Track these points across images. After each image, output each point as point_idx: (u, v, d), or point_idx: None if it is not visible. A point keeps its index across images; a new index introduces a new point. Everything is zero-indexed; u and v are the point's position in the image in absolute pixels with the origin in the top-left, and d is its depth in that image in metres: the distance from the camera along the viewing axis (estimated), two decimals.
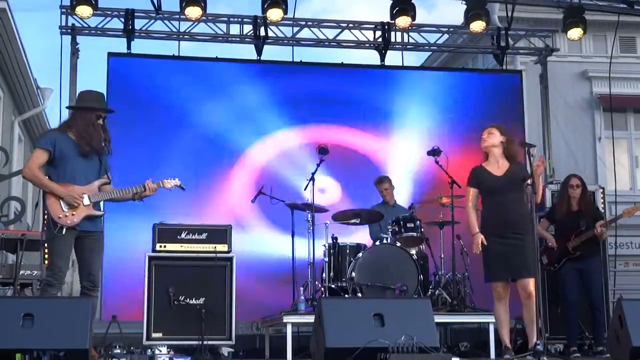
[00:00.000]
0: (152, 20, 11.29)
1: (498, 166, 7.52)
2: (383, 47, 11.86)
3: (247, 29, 11.49)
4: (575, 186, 9.09)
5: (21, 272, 7.94)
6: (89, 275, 6.77)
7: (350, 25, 11.90)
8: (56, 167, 6.74)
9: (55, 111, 23.18)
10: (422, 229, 9.53)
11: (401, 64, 12.26)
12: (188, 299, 8.47)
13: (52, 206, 6.65)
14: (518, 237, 7.25)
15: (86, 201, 6.74)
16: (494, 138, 7.57)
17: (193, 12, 10.72)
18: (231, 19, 11.53)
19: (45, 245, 6.93)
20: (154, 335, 8.34)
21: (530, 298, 7.17)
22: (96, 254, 6.90)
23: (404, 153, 11.65)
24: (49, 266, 6.72)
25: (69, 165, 6.74)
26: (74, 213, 6.68)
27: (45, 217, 6.73)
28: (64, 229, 6.62)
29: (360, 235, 10.23)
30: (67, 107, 7.63)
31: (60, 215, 6.63)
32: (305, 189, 9.45)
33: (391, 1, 10.96)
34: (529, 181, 7.26)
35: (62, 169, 6.74)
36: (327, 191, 11.05)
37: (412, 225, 9.43)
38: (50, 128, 13.26)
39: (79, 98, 7.13)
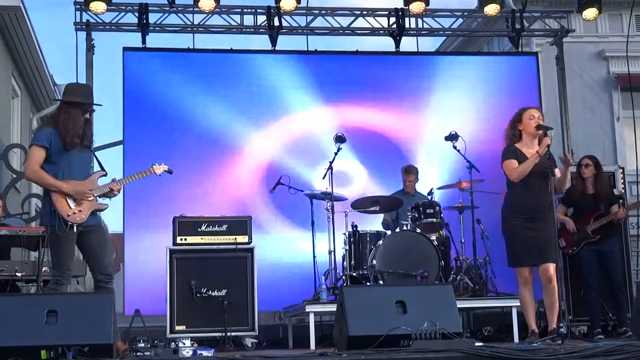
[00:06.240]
0: (166, 14, 11.30)
1: (532, 149, 7.27)
2: (397, 33, 11.79)
3: (261, 19, 11.48)
4: (585, 165, 8.97)
5: (43, 269, 7.96)
6: (103, 268, 6.62)
7: (364, 12, 11.85)
8: (53, 163, 6.54)
9: None
10: (442, 214, 9.50)
11: (416, 50, 12.21)
12: (210, 291, 8.52)
13: (60, 204, 6.46)
14: (542, 222, 7.10)
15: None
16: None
17: (206, 4, 10.78)
18: (245, 10, 11.51)
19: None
20: (178, 328, 8.41)
21: (551, 282, 7.09)
22: (106, 246, 6.76)
23: (425, 138, 11.59)
24: (57, 265, 6.54)
25: (65, 160, 6.56)
26: (81, 209, 6.52)
27: (47, 214, 6.53)
28: (75, 227, 6.47)
29: (381, 222, 10.21)
30: (53, 100, 7.53)
31: (70, 213, 6.45)
32: (323, 178, 9.41)
33: None
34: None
35: (60, 165, 6.55)
36: (350, 177, 11.11)
37: (432, 211, 9.39)
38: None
39: (64, 91, 6.88)
